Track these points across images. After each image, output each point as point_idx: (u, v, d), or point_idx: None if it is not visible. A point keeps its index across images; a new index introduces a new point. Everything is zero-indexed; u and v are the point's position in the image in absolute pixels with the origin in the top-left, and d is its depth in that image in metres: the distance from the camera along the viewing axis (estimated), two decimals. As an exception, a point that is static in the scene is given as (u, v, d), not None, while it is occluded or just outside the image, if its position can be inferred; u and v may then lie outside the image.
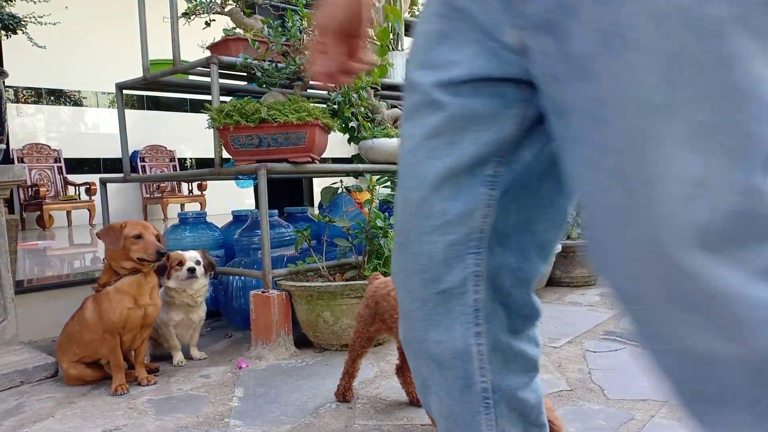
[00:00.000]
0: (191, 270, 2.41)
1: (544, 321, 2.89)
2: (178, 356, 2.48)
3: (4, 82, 2.42)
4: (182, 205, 8.57)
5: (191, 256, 2.46)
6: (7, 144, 2.47)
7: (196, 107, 8.89)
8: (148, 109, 8.82)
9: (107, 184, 3.39)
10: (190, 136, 8.93)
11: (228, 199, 7.85)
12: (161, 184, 8.40)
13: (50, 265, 4.40)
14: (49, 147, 7.90)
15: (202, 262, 2.48)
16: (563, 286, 3.77)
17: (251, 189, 6.77)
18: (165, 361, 2.49)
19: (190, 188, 8.87)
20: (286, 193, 7.70)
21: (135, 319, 2.19)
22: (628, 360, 2.30)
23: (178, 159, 9.07)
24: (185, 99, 9.04)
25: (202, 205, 8.57)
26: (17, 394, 2.20)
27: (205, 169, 2.89)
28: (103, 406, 2.03)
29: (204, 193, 8.70)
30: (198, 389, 2.17)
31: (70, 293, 2.99)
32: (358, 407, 1.93)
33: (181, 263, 2.43)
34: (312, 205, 8.77)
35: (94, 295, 2.22)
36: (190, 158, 9.33)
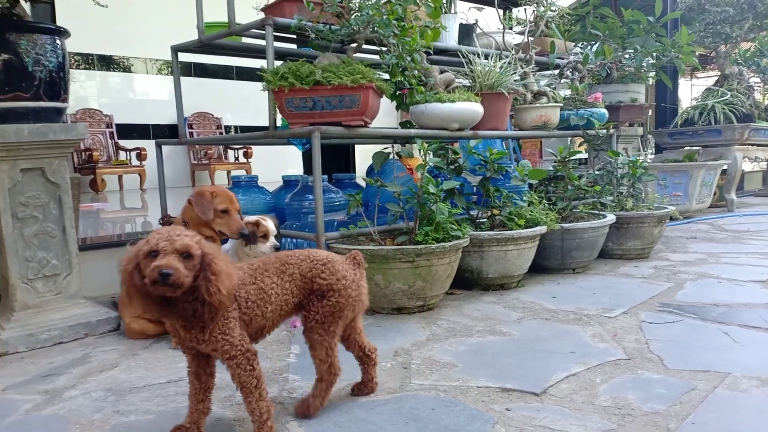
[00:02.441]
0: (276, 248, 2.49)
1: (596, 292, 2.86)
2: None
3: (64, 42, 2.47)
4: (228, 172, 8.70)
5: (272, 229, 2.53)
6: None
7: (242, 75, 8.93)
8: (195, 76, 8.92)
9: (162, 147, 3.44)
10: (236, 103, 9.00)
11: (272, 166, 7.91)
12: (209, 151, 8.53)
13: (104, 226, 4.54)
14: (101, 112, 8.09)
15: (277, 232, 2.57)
16: (615, 258, 3.70)
17: (299, 155, 6.80)
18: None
19: (236, 155, 8.99)
20: (330, 161, 7.72)
21: None
22: (686, 332, 2.25)
23: (224, 126, 9.17)
24: (231, 66, 9.10)
25: (248, 171, 8.69)
26: (83, 346, 2.29)
27: (258, 131, 2.90)
28: (166, 359, 2.10)
29: (249, 160, 8.81)
30: (256, 345, 2.21)
31: (129, 252, 3.08)
32: (412, 368, 1.94)
33: (265, 236, 2.49)
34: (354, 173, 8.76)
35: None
36: (235, 126, 9.42)
